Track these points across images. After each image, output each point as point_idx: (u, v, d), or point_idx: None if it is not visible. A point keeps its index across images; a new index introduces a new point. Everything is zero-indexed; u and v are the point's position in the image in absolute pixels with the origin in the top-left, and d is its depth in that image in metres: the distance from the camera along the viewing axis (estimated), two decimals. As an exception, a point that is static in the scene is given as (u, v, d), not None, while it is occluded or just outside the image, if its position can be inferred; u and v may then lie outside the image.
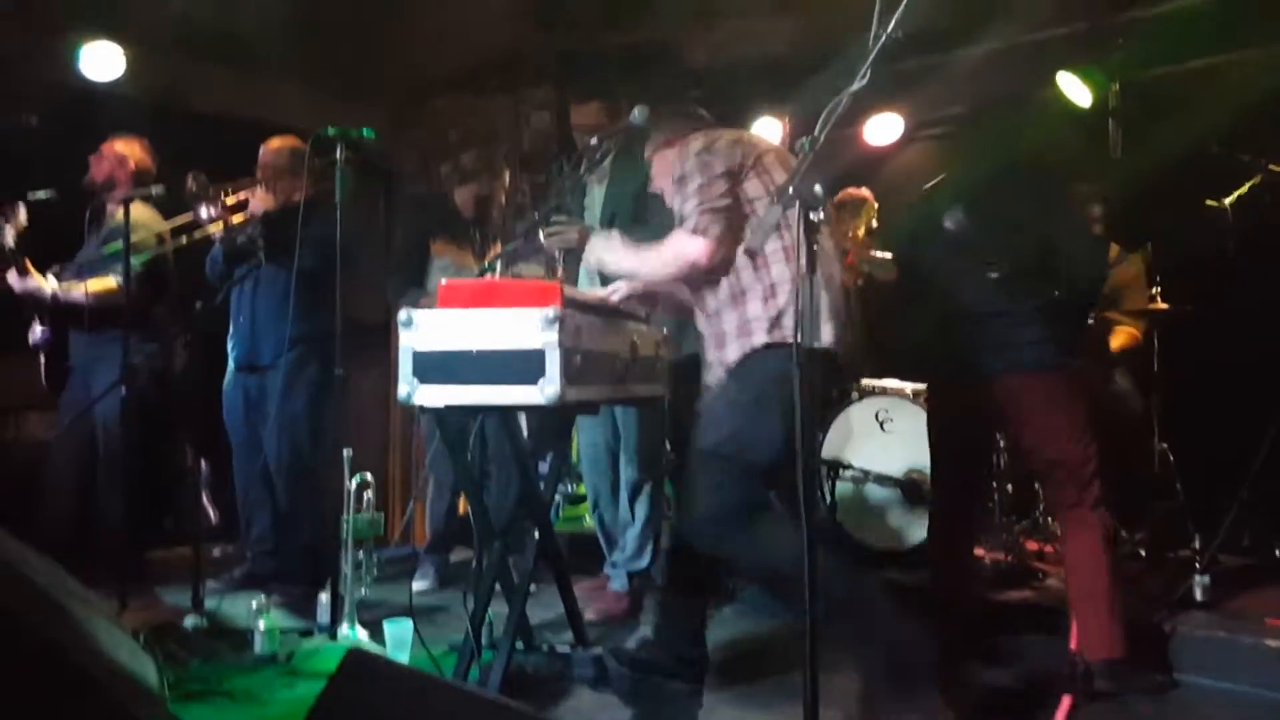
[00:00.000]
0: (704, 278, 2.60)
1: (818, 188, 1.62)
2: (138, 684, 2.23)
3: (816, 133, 1.71)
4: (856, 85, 1.68)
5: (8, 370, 4.56)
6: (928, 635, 2.36)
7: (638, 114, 2.92)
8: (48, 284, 3.87)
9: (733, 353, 2.53)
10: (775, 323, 2.49)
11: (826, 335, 2.48)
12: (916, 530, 3.88)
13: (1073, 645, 2.76)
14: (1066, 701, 2.65)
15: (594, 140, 3.20)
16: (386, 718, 1.30)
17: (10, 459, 4.55)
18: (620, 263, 2.75)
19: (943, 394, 3.05)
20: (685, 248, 2.55)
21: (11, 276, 3.82)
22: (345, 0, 4.56)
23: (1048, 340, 2.76)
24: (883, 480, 3.94)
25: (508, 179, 4.26)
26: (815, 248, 1.61)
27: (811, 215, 1.60)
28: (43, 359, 4.07)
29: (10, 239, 3.77)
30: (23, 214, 3.80)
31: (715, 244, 2.51)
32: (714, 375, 2.61)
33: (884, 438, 3.98)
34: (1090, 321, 3.94)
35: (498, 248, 4.15)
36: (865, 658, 2.39)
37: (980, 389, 2.79)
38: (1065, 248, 2.80)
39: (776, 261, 2.51)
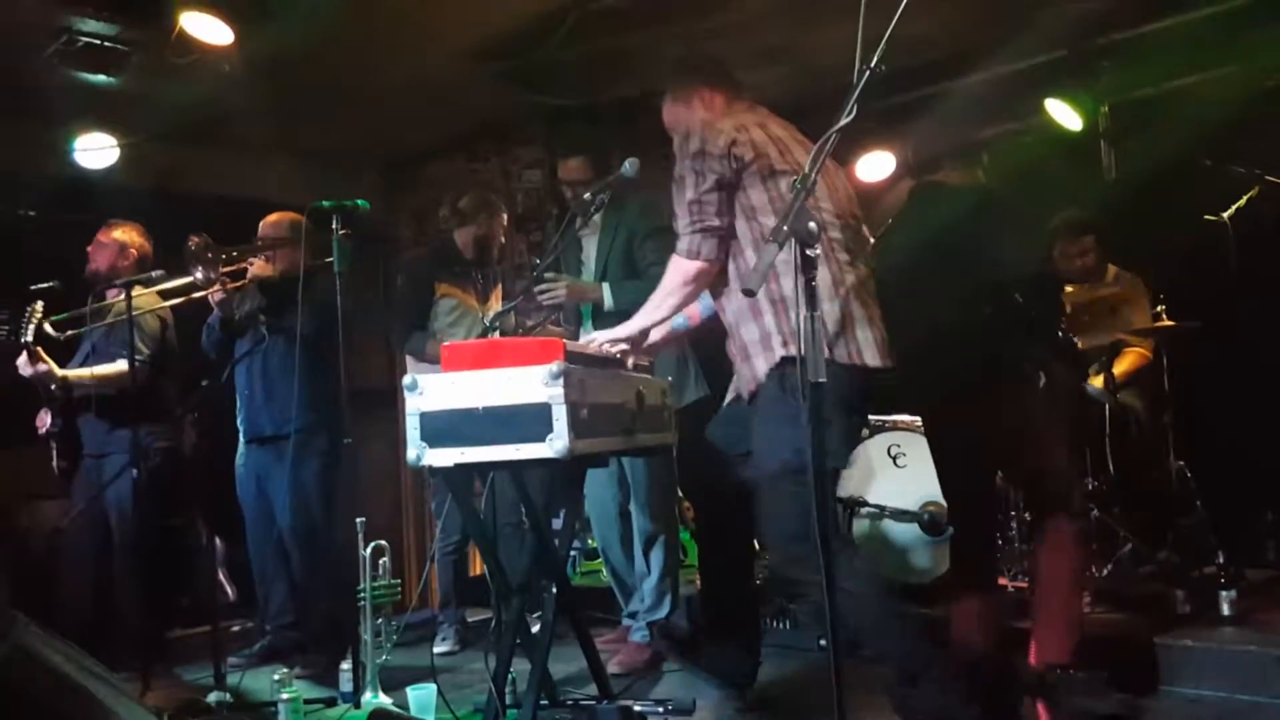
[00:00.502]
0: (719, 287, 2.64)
1: (812, 225, 1.68)
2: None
3: (807, 169, 1.77)
4: (843, 120, 1.74)
5: (20, 460, 4.65)
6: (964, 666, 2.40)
7: (629, 166, 3.01)
8: (56, 369, 3.96)
9: (760, 366, 2.54)
10: (794, 335, 2.47)
11: (870, 354, 2.52)
12: (937, 563, 3.90)
13: (1032, 657, 2.78)
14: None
15: (587, 195, 3.28)
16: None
17: (26, 547, 4.62)
18: (635, 325, 2.79)
19: (941, 417, 3.07)
20: (684, 273, 2.62)
21: (21, 362, 3.91)
22: (329, 76, 4.68)
23: (1024, 351, 2.80)
24: (900, 515, 3.97)
25: (505, 220, 4.30)
26: (814, 284, 1.68)
27: (808, 251, 1.67)
28: (54, 447, 4.14)
29: (31, 334, 3.87)
30: (40, 309, 3.91)
31: (710, 264, 2.58)
32: (744, 385, 2.63)
33: (898, 472, 4.02)
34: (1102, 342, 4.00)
35: (499, 291, 4.25)
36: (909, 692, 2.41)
37: (971, 407, 2.79)
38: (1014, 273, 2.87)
39: (786, 275, 2.47)
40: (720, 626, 2.95)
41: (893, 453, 4.02)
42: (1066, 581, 2.81)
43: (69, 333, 4.10)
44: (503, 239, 4.31)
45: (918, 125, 4.85)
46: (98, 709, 2.18)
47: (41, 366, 3.92)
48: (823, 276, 2.52)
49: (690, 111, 2.80)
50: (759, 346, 2.55)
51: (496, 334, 3.27)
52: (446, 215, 4.31)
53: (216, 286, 3.81)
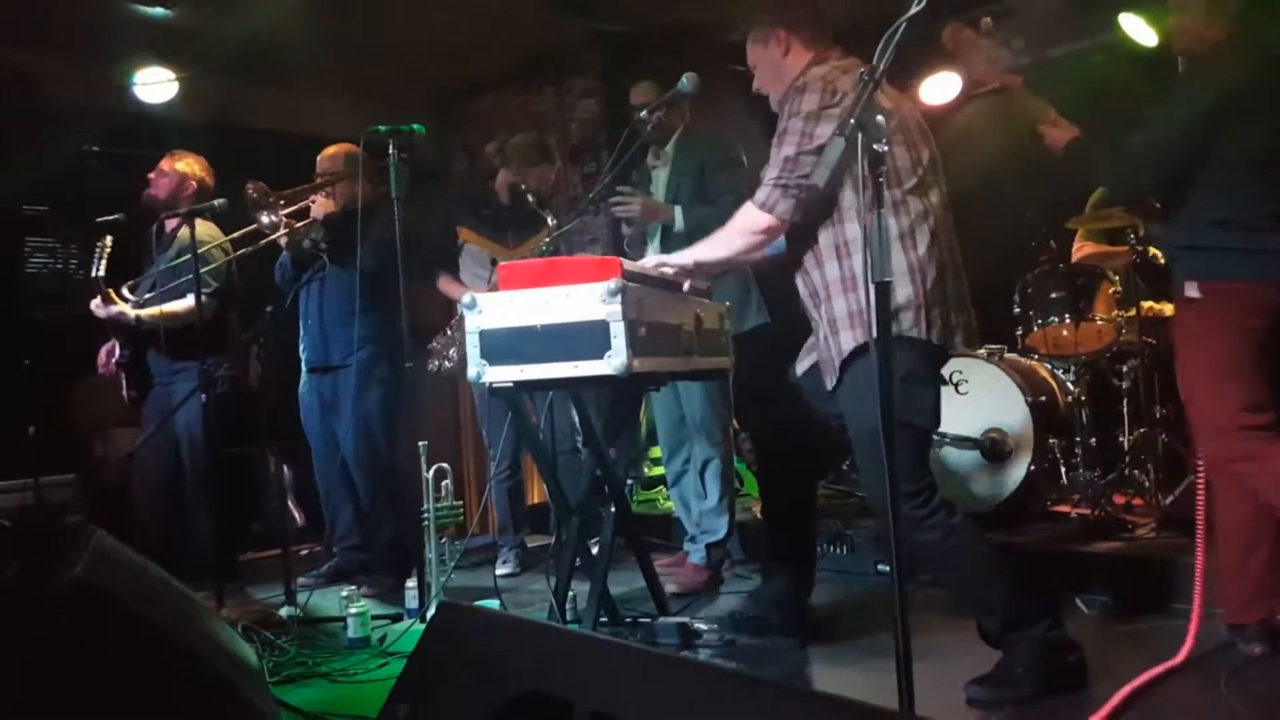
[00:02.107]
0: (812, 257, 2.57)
1: (880, 118, 1.64)
2: (245, 668, 2.36)
3: (875, 62, 1.73)
4: (914, 9, 1.69)
5: (91, 393, 4.82)
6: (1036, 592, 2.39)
7: (686, 81, 2.98)
8: (129, 310, 4.06)
9: (847, 342, 2.46)
10: (894, 315, 2.38)
11: (960, 339, 2.48)
12: (998, 490, 3.87)
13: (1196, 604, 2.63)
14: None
15: (643, 113, 3.25)
16: (484, 659, 1.38)
17: (103, 474, 4.80)
18: (692, 256, 2.75)
19: None
20: (753, 222, 2.55)
21: (95, 304, 4.01)
22: (382, 9, 4.67)
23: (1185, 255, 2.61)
24: (961, 442, 3.94)
25: (552, 174, 4.22)
26: (881, 180, 1.64)
27: (875, 146, 1.63)
28: (123, 378, 4.26)
29: (102, 269, 3.96)
30: (109, 243, 4.00)
31: (782, 222, 2.53)
32: (830, 360, 2.52)
33: (960, 399, 3.98)
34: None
35: (535, 239, 4.22)
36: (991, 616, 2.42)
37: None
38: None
39: (895, 251, 2.41)
40: (778, 562, 2.96)
41: (954, 380, 3.97)
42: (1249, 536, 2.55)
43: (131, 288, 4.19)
44: (538, 188, 4.10)
45: (984, 44, 4.69)
46: (183, 606, 2.27)
47: (114, 308, 4.01)
48: (920, 231, 2.45)
49: (767, 53, 2.70)
50: (848, 322, 2.47)
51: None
52: (493, 152, 4.30)
53: (282, 230, 3.86)
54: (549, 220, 3.71)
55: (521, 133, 4.33)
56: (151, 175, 4.24)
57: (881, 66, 1.70)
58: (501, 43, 5.33)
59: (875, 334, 1.69)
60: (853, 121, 1.62)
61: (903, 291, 2.40)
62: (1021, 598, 2.40)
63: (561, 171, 4.78)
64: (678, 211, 3.66)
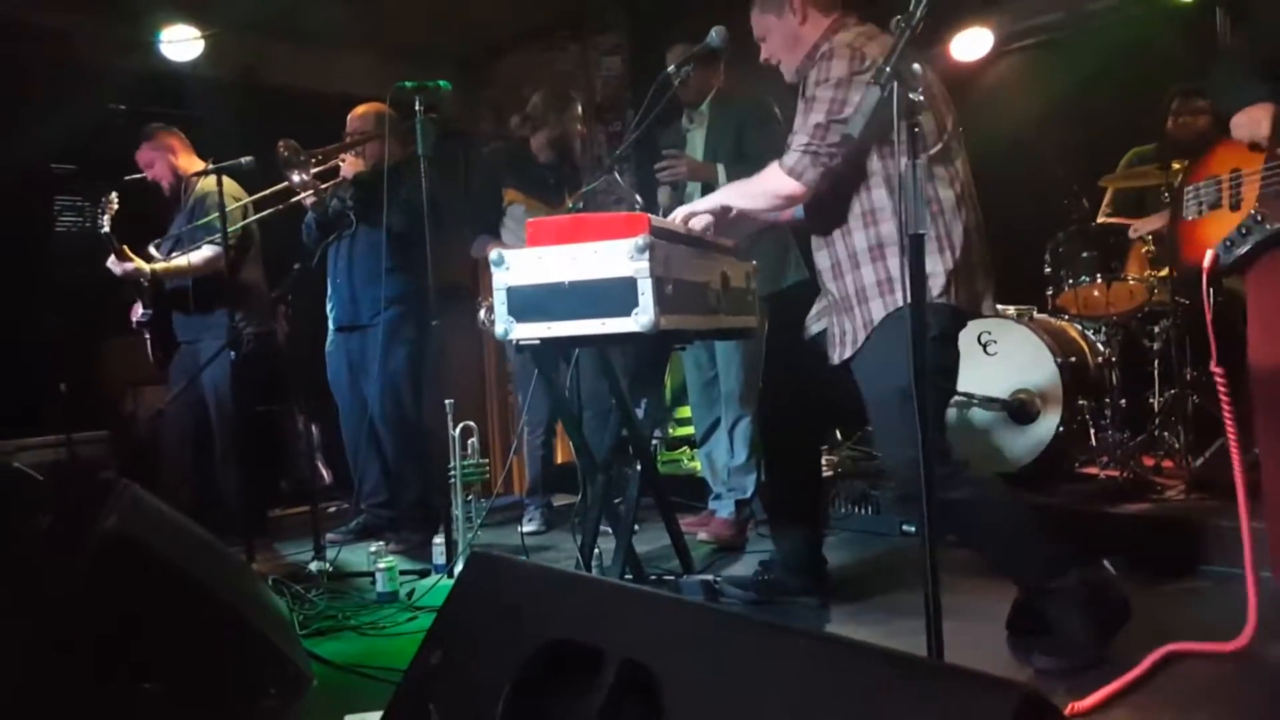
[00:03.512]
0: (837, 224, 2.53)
1: (916, 66, 1.61)
2: (277, 620, 2.40)
3: (911, 8, 1.69)
4: None
5: (121, 351, 4.87)
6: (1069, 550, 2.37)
7: (715, 35, 2.93)
8: (145, 265, 4.09)
9: (877, 310, 2.43)
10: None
11: (987, 306, 2.48)
12: (1025, 451, 3.85)
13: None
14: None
15: (672, 67, 3.21)
16: (516, 608, 1.39)
17: (133, 431, 4.86)
18: (717, 200, 2.72)
19: None
20: (778, 186, 2.50)
21: (111, 261, 4.04)
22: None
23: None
24: (989, 403, 3.91)
25: (580, 111, 4.21)
26: (916, 130, 1.61)
27: (911, 96, 1.60)
28: (148, 337, 4.31)
29: (107, 224, 3.99)
30: (115, 200, 4.02)
31: (807, 189, 2.49)
32: (854, 330, 2.49)
33: (988, 360, 3.94)
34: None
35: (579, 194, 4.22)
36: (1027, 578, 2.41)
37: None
38: None
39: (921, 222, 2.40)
40: (790, 525, 2.96)
41: (983, 340, 3.94)
42: None
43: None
44: (580, 130, 4.22)
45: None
46: (215, 559, 2.30)
47: (129, 265, 4.04)
48: (946, 198, 2.42)
49: (781, 23, 2.62)
50: (877, 290, 2.43)
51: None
52: (519, 123, 4.27)
53: (311, 191, 3.86)
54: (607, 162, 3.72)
55: (536, 95, 4.28)
56: (144, 169, 4.26)
57: (919, 14, 1.66)
58: (526, 1, 5.28)
59: (910, 290, 1.66)
60: (888, 70, 1.58)
61: (930, 260, 2.36)
62: (1053, 545, 2.38)
63: (589, 126, 4.75)
64: (720, 170, 3.65)
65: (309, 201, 3.97)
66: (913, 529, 3.63)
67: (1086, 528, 3.33)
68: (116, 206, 4.08)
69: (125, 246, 4.05)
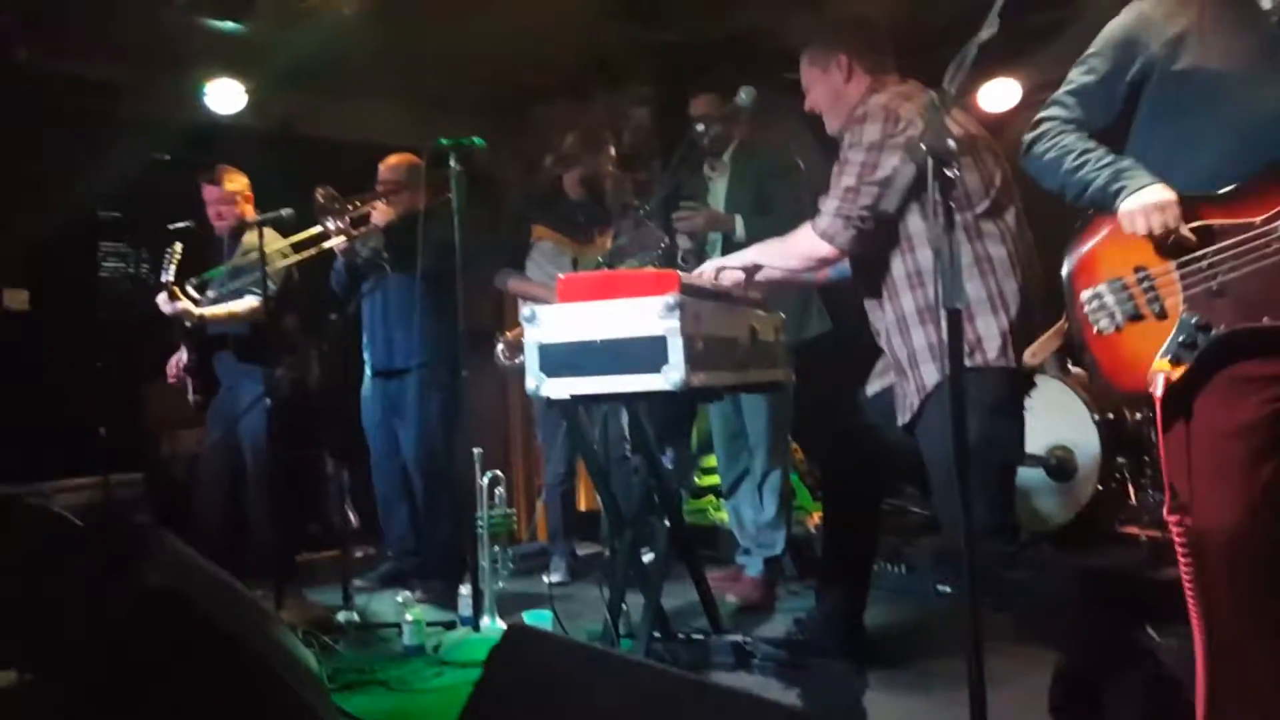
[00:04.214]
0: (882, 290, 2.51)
1: (950, 141, 1.60)
2: (308, 675, 2.38)
3: (945, 85, 1.68)
4: (985, 34, 1.65)
5: (159, 394, 4.91)
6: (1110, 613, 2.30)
7: (744, 95, 2.95)
8: (193, 307, 4.13)
9: (931, 375, 2.40)
10: (977, 345, 2.33)
11: (1050, 363, 2.41)
12: (1063, 509, 3.78)
13: None
14: None
15: (700, 126, 3.23)
16: (552, 686, 1.36)
17: (168, 473, 4.89)
18: (749, 257, 2.72)
19: None
20: (811, 248, 2.51)
21: (161, 299, 4.09)
22: (439, 19, 4.69)
23: None
24: (1026, 459, 3.85)
25: (613, 152, 4.26)
26: (952, 205, 1.60)
27: (946, 171, 1.59)
28: (189, 381, 4.34)
29: (171, 274, 4.05)
30: (179, 250, 4.08)
31: (840, 252, 2.48)
32: (908, 396, 2.46)
33: (1026, 417, 3.89)
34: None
35: (609, 234, 4.22)
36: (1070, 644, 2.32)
37: None
38: None
39: (971, 279, 2.33)
40: (834, 579, 2.89)
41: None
42: None
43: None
44: (611, 170, 4.26)
45: (1044, 50, 4.59)
46: (250, 612, 2.29)
47: (179, 305, 4.08)
48: (998, 255, 2.37)
49: (826, 77, 2.64)
50: (929, 353, 2.40)
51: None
52: (553, 163, 4.31)
53: (344, 237, 3.89)
54: (635, 213, 3.73)
55: (569, 134, 4.34)
56: (215, 211, 4.29)
57: (952, 91, 1.65)
58: (557, 50, 5.33)
59: (949, 364, 1.63)
60: (923, 147, 1.58)
61: (984, 321, 2.33)
62: (1117, 634, 2.29)
63: (616, 176, 4.79)
64: (739, 221, 3.65)
65: (340, 248, 4.00)
66: (948, 589, 3.55)
67: (1127, 591, 3.24)
68: (180, 255, 4.13)
69: (178, 289, 4.10)
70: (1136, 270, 1.92)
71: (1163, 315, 1.89)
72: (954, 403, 1.65)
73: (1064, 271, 2.05)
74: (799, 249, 2.57)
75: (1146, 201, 1.86)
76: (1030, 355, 2.60)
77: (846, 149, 2.46)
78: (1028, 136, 2.12)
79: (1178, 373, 1.85)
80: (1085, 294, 1.98)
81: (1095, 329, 1.97)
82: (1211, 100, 1.87)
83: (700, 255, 3.80)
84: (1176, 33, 1.92)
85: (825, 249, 2.48)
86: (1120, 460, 3.86)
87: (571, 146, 4.23)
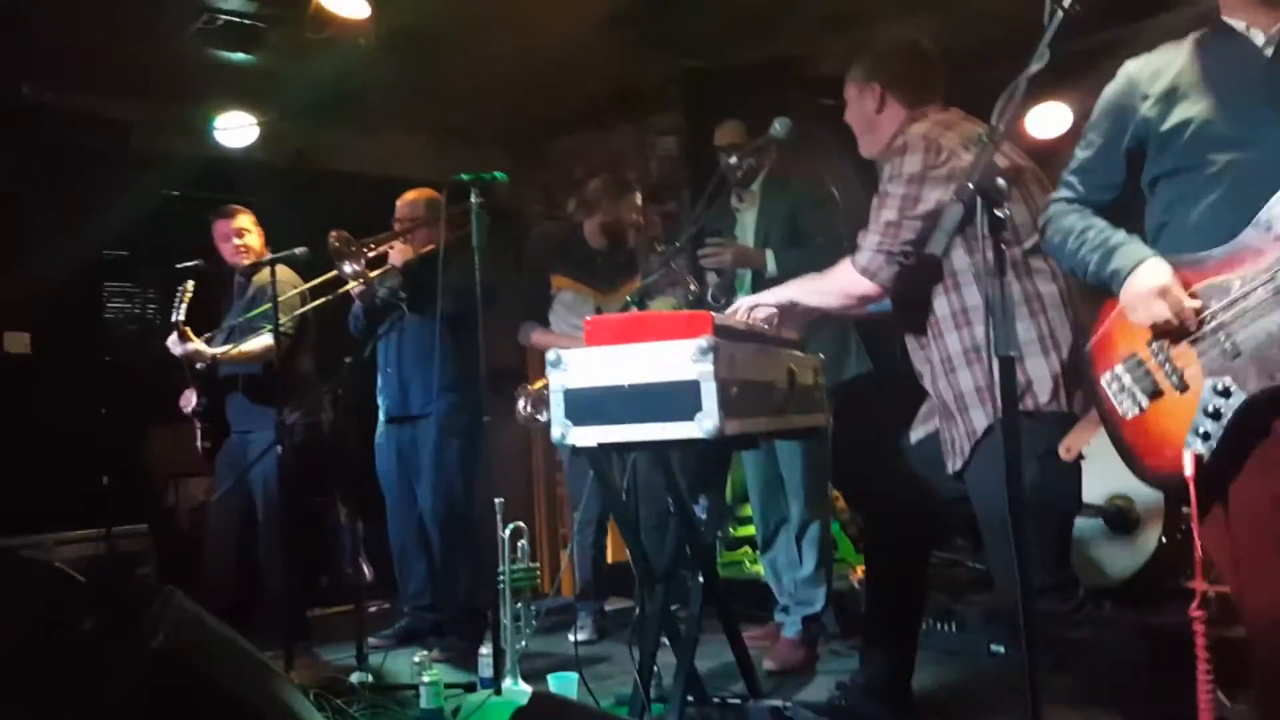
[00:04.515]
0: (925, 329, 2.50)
1: (1001, 180, 1.59)
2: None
3: (994, 121, 1.68)
4: (1035, 67, 1.66)
5: (166, 440, 4.95)
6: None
7: (778, 126, 2.95)
8: (205, 348, 4.16)
9: (979, 420, 2.39)
10: (1028, 388, 2.31)
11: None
12: (1125, 563, 3.71)
13: None
14: None
15: (733, 159, 3.23)
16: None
17: (174, 522, 4.91)
18: (786, 294, 2.72)
19: None
20: (851, 285, 2.51)
21: (171, 340, 4.13)
22: (458, 49, 4.76)
23: None
24: (1085, 509, 3.79)
25: (639, 200, 4.26)
26: (1003, 247, 1.59)
27: (997, 211, 1.58)
28: (198, 426, 4.36)
29: (183, 313, 4.10)
30: (191, 288, 4.13)
31: (881, 289, 2.48)
32: (956, 442, 2.44)
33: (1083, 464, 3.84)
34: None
35: (634, 281, 4.22)
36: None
37: None
38: None
39: (1021, 318, 2.31)
40: (880, 639, 2.84)
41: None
42: None
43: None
44: (636, 218, 4.25)
45: (1099, 73, 4.57)
46: (259, 675, 2.28)
47: (190, 345, 4.12)
48: (1049, 293, 2.37)
49: (860, 101, 2.67)
50: (977, 397, 2.39)
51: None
52: (575, 205, 4.33)
53: (360, 280, 3.92)
54: (661, 249, 3.74)
55: (594, 177, 4.36)
56: (233, 245, 4.33)
57: (1001, 127, 1.65)
58: (580, 79, 5.39)
59: (1003, 412, 1.61)
60: (971, 186, 1.57)
61: (1034, 363, 2.31)
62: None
63: (638, 222, 4.81)
64: (769, 256, 3.63)
65: (356, 291, 4.03)
66: (1002, 649, 3.49)
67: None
68: (191, 294, 4.17)
69: (188, 330, 4.14)
70: (1150, 344, 1.90)
71: (1183, 387, 1.86)
72: (1008, 451, 1.63)
73: (1084, 357, 2.05)
74: (838, 286, 2.56)
75: (1142, 289, 1.83)
76: (1065, 450, 2.62)
77: (886, 181, 2.46)
78: (1040, 220, 2.16)
79: (1207, 449, 1.81)
80: (1104, 378, 1.98)
81: (1120, 413, 1.95)
82: (1204, 150, 1.84)
83: (730, 292, 3.81)
84: (1165, 88, 1.92)
85: (865, 286, 2.48)
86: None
87: (594, 192, 4.23)
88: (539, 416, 3.95)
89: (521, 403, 4.04)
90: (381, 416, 4.24)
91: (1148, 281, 1.83)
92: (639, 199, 4.27)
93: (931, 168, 2.38)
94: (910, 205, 2.39)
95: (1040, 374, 2.32)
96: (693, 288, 3.88)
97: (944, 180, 2.36)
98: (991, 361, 2.18)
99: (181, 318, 4.10)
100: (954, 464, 2.45)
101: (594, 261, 4.20)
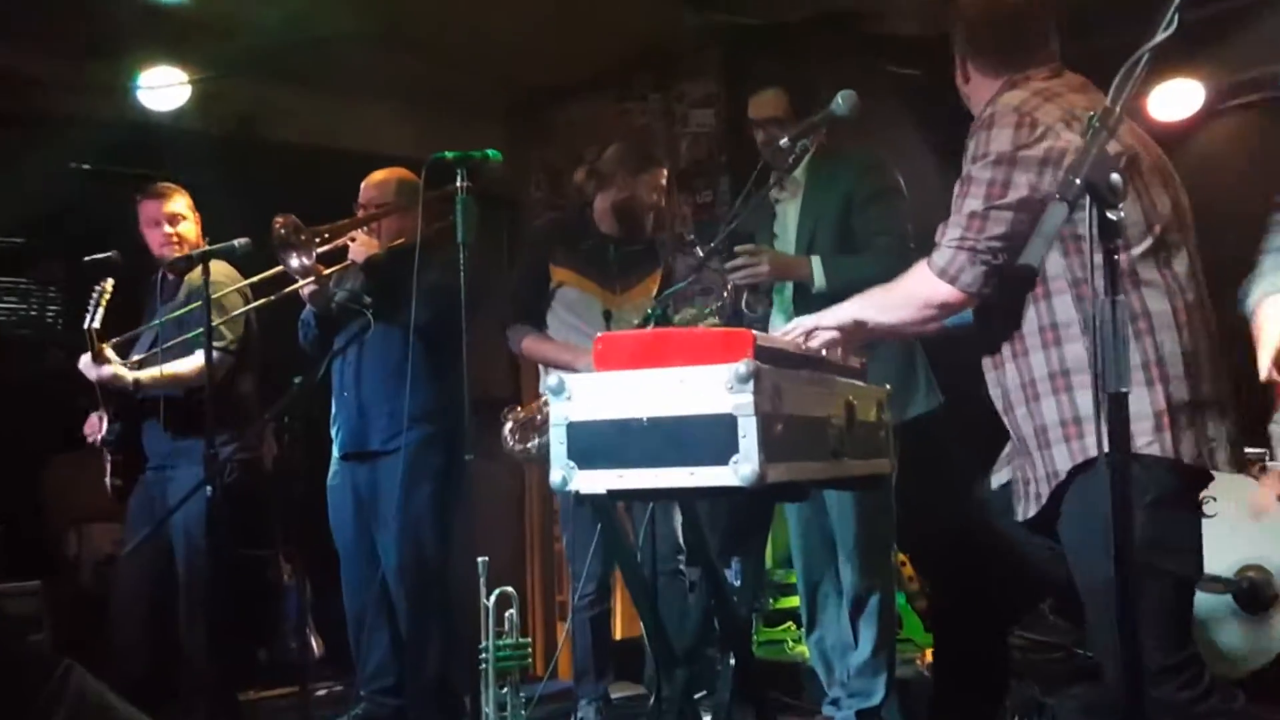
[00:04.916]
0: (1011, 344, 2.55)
1: (1115, 175, 1.63)
2: None
3: (1109, 102, 1.72)
4: (1160, 36, 1.70)
5: (66, 476, 5.00)
6: None
7: (841, 102, 3.00)
8: (127, 372, 4.22)
9: (1062, 459, 2.42)
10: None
11: (1222, 457, 2.41)
12: (1258, 648, 3.74)
13: None
14: None
15: (784, 141, 3.27)
16: None
17: (75, 579, 4.97)
18: (848, 313, 2.74)
19: None
20: (929, 292, 2.53)
21: (84, 363, 4.18)
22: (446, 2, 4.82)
23: None
24: (1208, 583, 3.82)
25: (663, 178, 4.24)
26: (1116, 258, 1.63)
27: (1110, 214, 1.62)
28: (107, 459, 4.42)
29: (98, 319, 4.15)
30: (109, 288, 4.18)
31: (967, 296, 2.52)
32: (1037, 484, 2.49)
33: (1206, 525, 3.87)
34: None
35: (654, 278, 4.27)
36: None
37: None
38: None
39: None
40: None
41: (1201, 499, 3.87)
42: None
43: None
44: (657, 199, 4.21)
45: (1232, 45, 4.65)
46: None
47: (107, 369, 4.17)
48: (1159, 313, 2.40)
49: (958, 75, 2.74)
50: (1061, 432, 2.43)
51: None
52: (582, 180, 4.32)
53: (312, 278, 3.95)
54: (692, 247, 3.75)
55: (611, 146, 4.34)
56: (163, 233, 4.38)
57: (1119, 110, 1.70)
58: (595, 35, 5.45)
59: (1108, 452, 1.66)
60: (1079, 182, 1.62)
61: (1135, 396, 2.34)
62: None
63: (671, 196, 4.82)
64: (816, 265, 3.64)
65: (307, 291, 4.04)
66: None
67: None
68: (109, 294, 4.23)
69: (105, 346, 4.18)
70: None
71: None
72: (1117, 503, 1.67)
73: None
74: (912, 293, 2.60)
75: None
76: (1255, 511, 2.67)
77: (970, 162, 2.50)
78: None
79: None
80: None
81: None
82: None
83: (767, 300, 3.81)
84: None
85: (946, 292, 2.50)
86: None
87: (607, 161, 4.21)
88: (527, 445, 3.97)
89: (508, 428, 4.06)
90: (335, 451, 4.29)
91: None
92: (663, 177, 4.24)
93: (1022, 147, 2.41)
94: (999, 192, 2.42)
95: (1141, 409, 2.34)
96: (727, 294, 3.89)
97: (1037, 163, 2.40)
98: (1077, 391, 2.31)
99: (97, 326, 4.15)
100: (1026, 509, 2.50)
101: (603, 251, 4.20)
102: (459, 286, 3.36)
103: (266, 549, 4.79)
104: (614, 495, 2.66)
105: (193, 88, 5.26)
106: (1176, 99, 4.94)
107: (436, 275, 3.74)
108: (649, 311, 3.54)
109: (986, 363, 2.62)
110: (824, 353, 2.83)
